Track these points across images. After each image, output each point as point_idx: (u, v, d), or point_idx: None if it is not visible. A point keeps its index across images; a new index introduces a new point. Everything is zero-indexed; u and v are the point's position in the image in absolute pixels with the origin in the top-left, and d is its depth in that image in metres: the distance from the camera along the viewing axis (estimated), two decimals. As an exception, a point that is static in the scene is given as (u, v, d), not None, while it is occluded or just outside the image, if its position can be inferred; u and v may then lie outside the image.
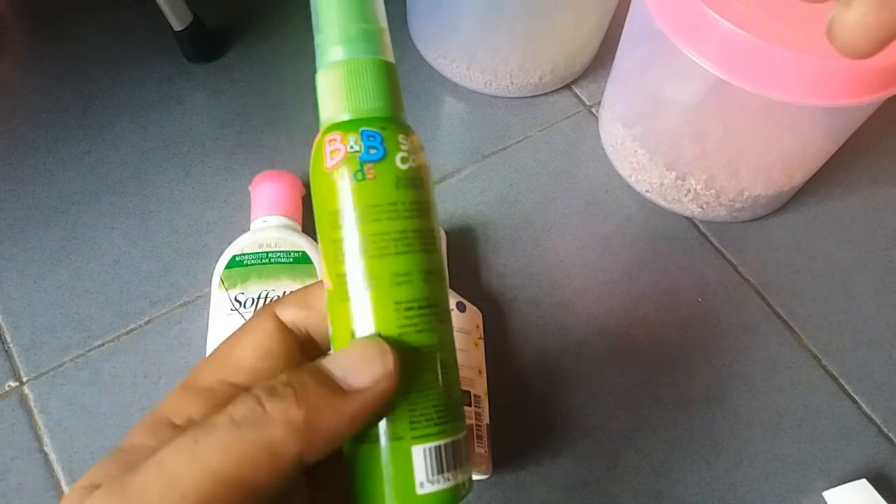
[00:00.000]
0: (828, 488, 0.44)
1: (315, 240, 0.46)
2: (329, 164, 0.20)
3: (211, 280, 0.44)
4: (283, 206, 0.47)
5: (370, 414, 0.18)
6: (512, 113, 0.59)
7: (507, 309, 0.49)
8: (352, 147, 0.19)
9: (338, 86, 0.20)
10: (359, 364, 0.18)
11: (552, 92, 0.61)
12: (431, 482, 0.19)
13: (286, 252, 0.44)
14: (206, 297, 0.46)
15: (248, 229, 0.47)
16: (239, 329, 0.21)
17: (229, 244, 0.45)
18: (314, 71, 0.21)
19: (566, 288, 0.51)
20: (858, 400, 0.48)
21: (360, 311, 0.19)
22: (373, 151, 0.19)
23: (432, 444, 0.19)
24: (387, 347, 0.18)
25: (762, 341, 0.50)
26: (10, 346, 0.46)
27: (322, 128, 0.20)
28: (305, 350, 0.22)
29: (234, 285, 0.43)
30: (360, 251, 0.19)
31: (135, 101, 0.57)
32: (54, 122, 0.56)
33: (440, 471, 0.19)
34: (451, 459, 0.20)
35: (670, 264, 0.52)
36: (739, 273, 0.52)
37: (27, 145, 0.55)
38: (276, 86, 0.59)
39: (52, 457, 0.42)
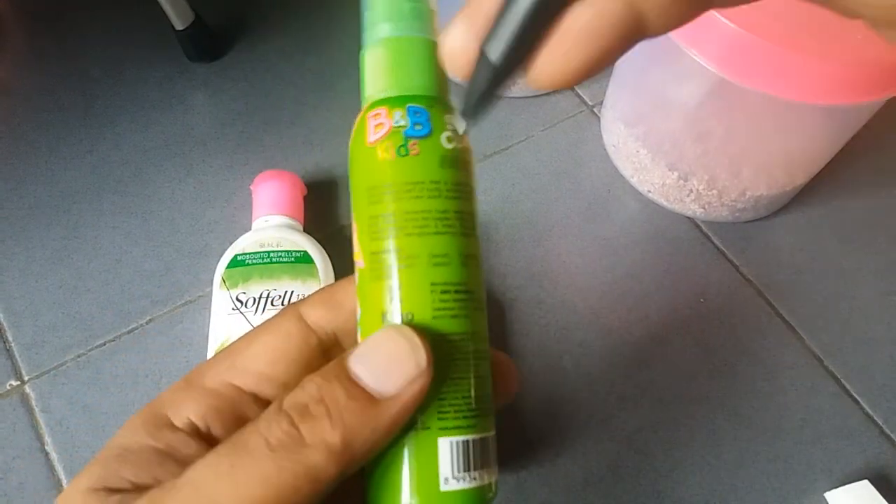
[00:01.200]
0: (829, 489, 0.43)
1: (316, 239, 0.46)
2: (372, 138, 0.19)
3: (212, 279, 0.44)
4: (284, 205, 0.47)
5: (409, 416, 0.17)
6: (514, 113, 0.59)
7: (509, 309, 0.49)
8: (397, 122, 0.19)
9: (385, 62, 0.20)
10: (390, 365, 0.17)
11: (554, 92, 0.61)
12: (457, 479, 0.18)
13: (288, 252, 0.44)
14: (208, 297, 0.46)
15: (250, 229, 0.47)
16: (258, 327, 0.21)
17: (231, 244, 0.45)
18: (357, 50, 0.20)
19: (568, 288, 0.50)
20: (860, 401, 0.48)
21: (394, 290, 0.18)
22: (418, 127, 0.19)
23: (460, 438, 0.18)
24: (418, 342, 0.17)
25: (764, 342, 0.49)
26: (12, 345, 0.46)
27: (365, 104, 0.20)
28: (328, 353, 0.21)
29: (235, 285, 0.43)
30: (399, 228, 0.19)
31: (136, 101, 0.57)
32: (56, 122, 0.56)
33: (467, 468, 0.18)
34: (479, 457, 0.18)
35: (672, 265, 0.52)
36: (741, 273, 0.52)
37: (29, 144, 0.55)
38: (278, 85, 0.59)
39: (54, 456, 0.42)
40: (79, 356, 0.46)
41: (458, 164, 0.20)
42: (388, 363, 0.17)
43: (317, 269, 0.44)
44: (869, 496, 0.42)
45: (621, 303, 0.50)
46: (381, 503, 0.18)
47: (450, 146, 0.19)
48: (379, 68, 0.20)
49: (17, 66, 0.60)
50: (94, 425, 0.43)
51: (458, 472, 0.18)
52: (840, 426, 0.47)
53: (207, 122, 0.57)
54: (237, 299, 0.42)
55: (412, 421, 0.18)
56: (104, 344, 0.46)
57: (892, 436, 0.46)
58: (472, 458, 0.18)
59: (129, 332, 0.47)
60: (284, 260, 0.44)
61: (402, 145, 0.19)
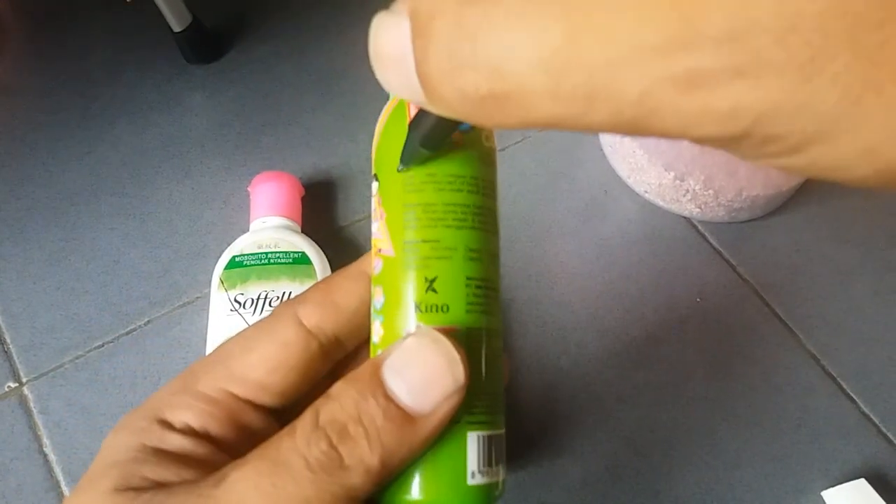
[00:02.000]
0: (826, 488, 0.44)
1: (314, 240, 0.46)
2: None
3: (210, 281, 0.44)
4: (282, 206, 0.47)
5: (443, 429, 0.17)
6: (511, 114, 0.59)
7: (507, 309, 0.49)
8: None
9: None
10: (427, 381, 0.17)
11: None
12: (482, 473, 0.18)
13: (286, 252, 0.44)
14: (206, 298, 0.46)
15: (248, 230, 0.47)
16: (253, 330, 0.20)
17: (229, 245, 0.45)
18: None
19: (565, 288, 0.51)
20: (857, 400, 0.48)
21: (428, 281, 0.18)
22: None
23: (487, 433, 0.18)
24: (456, 356, 0.17)
25: (761, 341, 0.50)
26: (10, 346, 0.46)
27: None
28: (329, 355, 0.21)
29: (233, 286, 0.43)
30: (438, 220, 0.18)
31: (134, 102, 0.58)
32: (54, 123, 0.56)
33: (489, 462, 0.18)
34: (500, 452, 0.19)
35: (669, 265, 0.52)
36: (738, 273, 0.53)
37: (27, 146, 0.55)
38: (276, 87, 0.59)
39: (52, 458, 0.42)
40: (77, 358, 0.46)
41: (493, 163, 0.20)
42: (426, 379, 0.17)
43: (315, 270, 0.44)
44: (865, 495, 0.42)
45: (618, 303, 0.50)
46: (403, 495, 0.18)
47: (488, 144, 0.20)
48: None
49: (16, 67, 0.60)
50: (92, 427, 0.43)
51: (484, 465, 0.18)
52: (837, 425, 0.47)
53: (205, 124, 0.57)
54: (235, 300, 0.42)
55: None
56: (102, 345, 0.46)
57: (889, 434, 0.47)
58: (496, 453, 0.18)
59: (127, 333, 0.47)
60: (282, 261, 0.44)
61: None
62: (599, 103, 0.11)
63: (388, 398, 0.17)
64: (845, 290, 0.52)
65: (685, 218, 0.55)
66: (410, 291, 0.18)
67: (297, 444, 0.16)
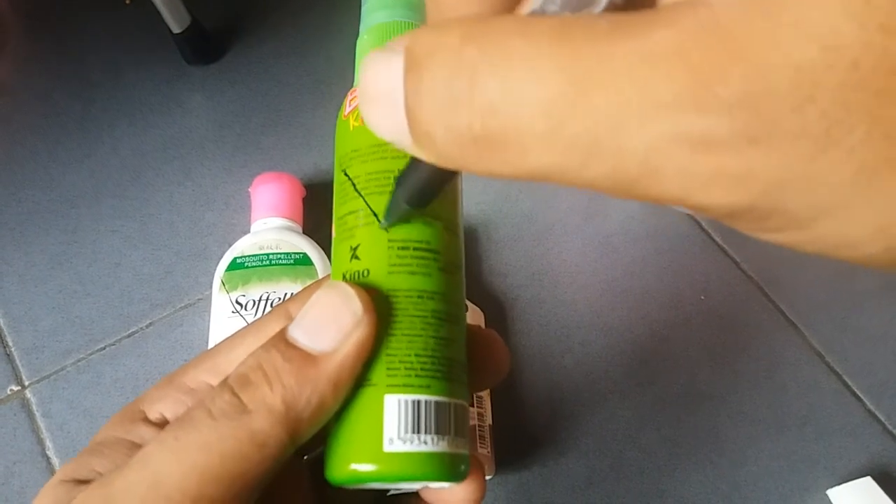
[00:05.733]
0: (832, 486, 0.43)
1: (315, 241, 0.46)
2: (346, 112, 0.20)
3: (212, 282, 0.44)
4: (283, 207, 0.47)
5: (353, 371, 0.17)
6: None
7: (510, 308, 0.49)
8: None
9: (365, 47, 0.21)
10: (324, 320, 0.17)
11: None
12: (403, 440, 0.17)
13: (287, 254, 0.44)
14: (207, 300, 0.46)
15: (249, 231, 0.47)
16: (244, 329, 0.21)
17: (230, 246, 0.45)
18: (353, 49, 0.22)
19: (568, 287, 0.50)
20: (863, 397, 0.47)
21: (352, 250, 0.18)
22: None
23: (410, 397, 0.17)
24: (351, 291, 0.17)
25: (765, 339, 0.49)
26: (12, 349, 0.46)
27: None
28: None
29: (234, 287, 0.43)
30: (362, 189, 0.19)
31: (134, 104, 0.57)
32: (54, 126, 0.56)
33: (416, 430, 0.17)
34: (432, 421, 0.17)
35: (673, 262, 0.52)
36: (742, 270, 0.52)
37: (27, 149, 0.55)
38: (275, 87, 0.59)
39: (55, 460, 0.42)
40: (79, 360, 0.46)
41: None
42: (322, 318, 0.17)
43: (316, 271, 0.44)
44: (872, 493, 0.42)
45: (622, 301, 0.50)
46: (330, 464, 0.18)
47: None
48: (359, 54, 0.21)
49: (16, 69, 0.60)
50: (94, 429, 0.43)
51: (405, 433, 0.17)
52: (842, 423, 0.46)
53: (205, 125, 0.57)
54: (237, 302, 0.42)
55: (361, 379, 0.17)
56: (104, 348, 0.46)
57: (895, 432, 0.46)
58: (425, 421, 0.17)
59: (129, 335, 0.47)
60: (284, 262, 0.44)
61: None
62: (600, 156, 0.10)
63: (288, 343, 0.17)
64: (850, 287, 0.52)
65: (689, 215, 0.55)
66: (340, 264, 0.19)
67: (204, 401, 0.16)
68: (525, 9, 0.12)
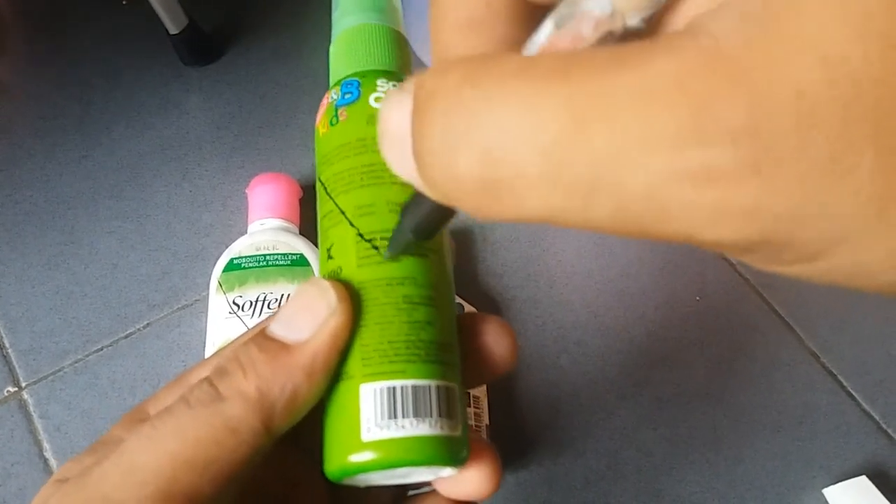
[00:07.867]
0: (828, 485, 0.44)
1: (312, 242, 0.46)
2: (318, 120, 0.21)
3: (209, 283, 0.44)
4: (280, 208, 0.47)
5: (328, 360, 0.17)
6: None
7: (506, 309, 0.49)
8: (332, 98, 0.20)
9: (332, 53, 0.22)
10: (298, 312, 0.17)
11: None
12: (380, 427, 0.17)
13: (284, 255, 0.44)
14: (204, 301, 0.46)
15: (246, 232, 0.47)
16: (251, 331, 0.21)
17: (227, 247, 0.45)
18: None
19: (565, 287, 0.51)
20: (857, 397, 0.48)
21: (327, 251, 0.19)
22: (347, 96, 0.20)
23: (385, 384, 0.17)
24: (326, 284, 0.17)
25: (761, 339, 0.50)
26: (9, 351, 0.46)
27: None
28: None
29: (231, 288, 0.43)
30: (332, 191, 0.19)
31: (132, 105, 0.57)
32: (51, 127, 0.56)
33: (392, 415, 0.17)
34: (409, 405, 0.17)
35: (668, 263, 0.52)
36: (738, 271, 0.52)
37: (24, 150, 0.55)
38: (273, 88, 0.59)
39: (52, 462, 0.42)
40: (76, 361, 0.46)
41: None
42: (298, 311, 0.17)
43: (313, 272, 0.44)
44: (867, 492, 0.42)
45: (618, 301, 0.50)
46: (324, 461, 0.18)
47: (378, 105, 0.20)
48: (332, 60, 0.22)
49: (14, 70, 0.60)
50: (92, 430, 0.43)
51: (382, 419, 0.17)
52: (837, 422, 0.47)
53: (202, 126, 0.57)
54: (234, 303, 0.42)
55: (340, 374, 0.18)
56: (102, 349, 0.46)
57: (890, 431, 0.47)
58: (402, 405, 0.17)
59: (126, 336, 0.47)
60: (280, 263, 0.44)
61: (333, 116, 0.20)
62: (602, 196, 0.10)
63: (266, 336, 0.17)
64: (845, 288, 0.52)
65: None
66: (321, 267, 0.19)
67: (183, 393, 0.17)
68: (532, 46, 0.12)
